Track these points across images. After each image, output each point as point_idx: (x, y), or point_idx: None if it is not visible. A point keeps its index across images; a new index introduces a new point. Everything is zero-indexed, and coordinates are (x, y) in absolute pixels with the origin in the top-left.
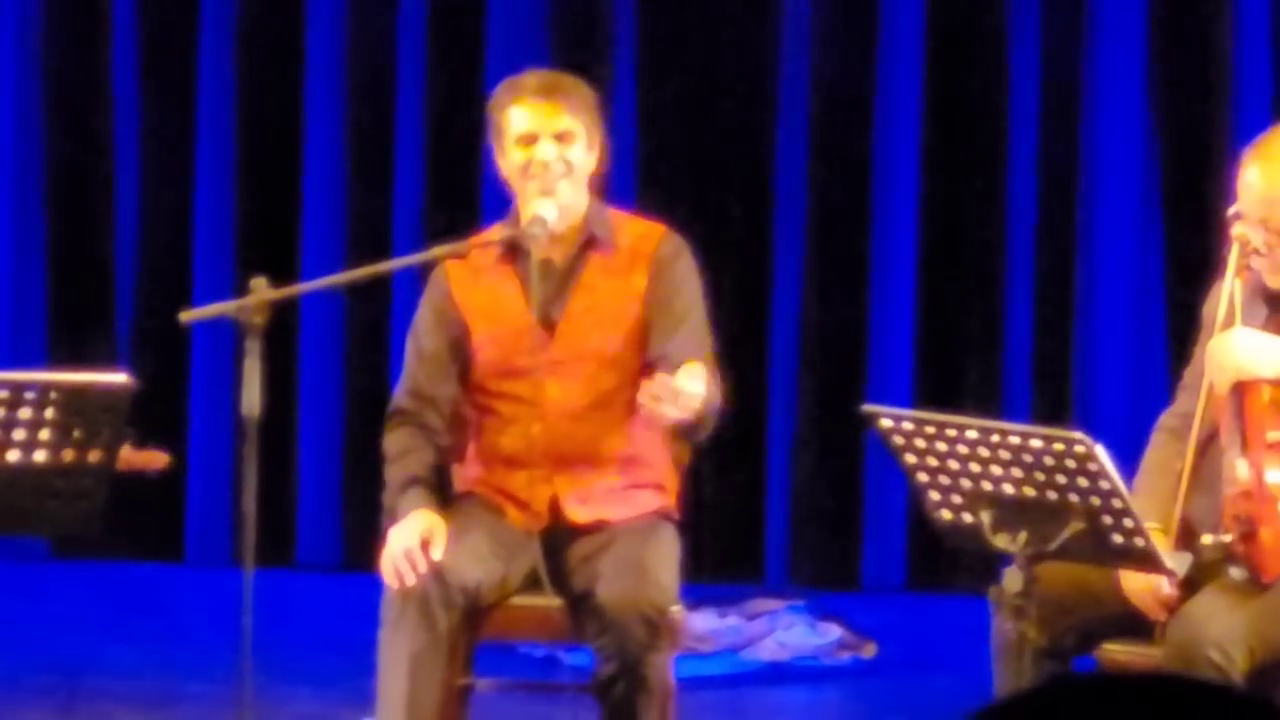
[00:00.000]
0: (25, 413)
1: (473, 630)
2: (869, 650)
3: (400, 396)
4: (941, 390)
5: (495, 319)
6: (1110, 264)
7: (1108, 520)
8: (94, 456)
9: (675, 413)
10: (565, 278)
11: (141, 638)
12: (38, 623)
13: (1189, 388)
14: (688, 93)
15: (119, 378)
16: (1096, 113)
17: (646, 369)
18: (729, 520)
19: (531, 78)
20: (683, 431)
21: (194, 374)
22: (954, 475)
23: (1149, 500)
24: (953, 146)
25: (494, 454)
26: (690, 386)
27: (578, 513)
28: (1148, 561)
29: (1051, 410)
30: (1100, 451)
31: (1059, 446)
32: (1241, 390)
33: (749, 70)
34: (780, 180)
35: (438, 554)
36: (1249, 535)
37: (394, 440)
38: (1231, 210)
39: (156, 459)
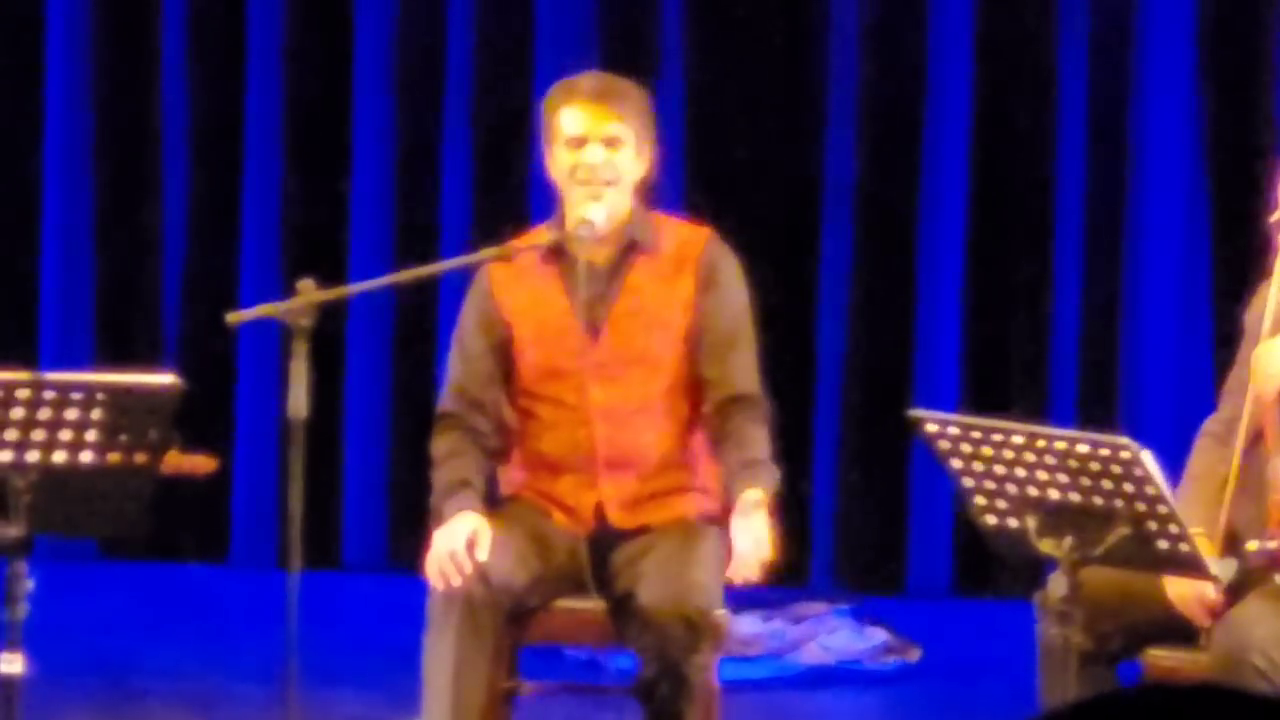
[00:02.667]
0: (72, 414)
1: (517, 633)
2: (914, 654)
3: (446, 400)
4: (987, 395)
5: (539, 321)
6: (1156, 270)
7: (1153, 525)
8: (141, 458)
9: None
10: (610, 280)
11: (187, 639)
12: (84, 623)
13: (1233, 393)
14: (735, 96)
15: (166, 379)
16: (1144, 122)
17: (697, 385)
18: (774, 523)
19: (586, 80)
20: None
21: (241, 375)
22: (999, 480)
23: (1194, 506)
24: (1001, 150)
25: (539, 458)
26: (761, 549)
27: (622, 517)
28: (1193, 567)
29: (1097, 416)
30: (1146, 457)
31: (1104, 451)
32: None
33: (797, 75)
34: (828, 185)
35: (483, 556)
36: None
37: (441, 444)
38: (1275, 216)
39: (203, 464)
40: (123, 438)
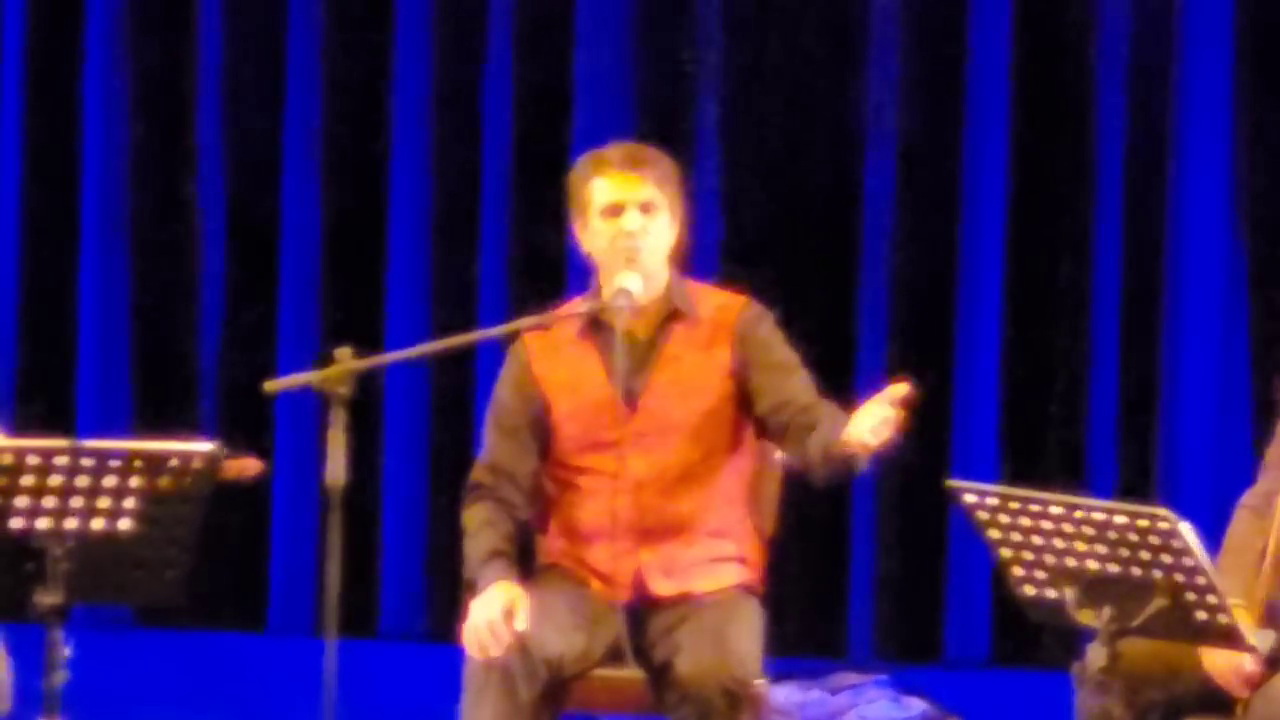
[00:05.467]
0: (110, 481)
1: (555, 702)
2: None
3: (479, 471)
4: (1026, 466)
5: (576, 393)
6: (1195, 342)
7: (1191, 597)
8: (179, 526)
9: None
10: (648, 350)
11: (224, 707)
12: (122, 691)
13: (1271, 466)
14: (771, 164)
15: (204, 446)
16: (1182, 189)
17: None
18: (813, 593)
19: (615, 150)
20: (845, 464)
21: (278, 443)
22: (1037, 551)
23: (1232, 577)
24: (1039, 217)
25: (576, 527)
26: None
27: (662, 586)
28: (1231, 638)
29: (1135, 487)
30: (1184, 528)
31: (1143, 523)
32: None
33: (834, 144)
34: (865, 253)
35: (521, 626)
36: None
37: (473, 514)
38: None
39: (251, 465)
40: (160, 505)
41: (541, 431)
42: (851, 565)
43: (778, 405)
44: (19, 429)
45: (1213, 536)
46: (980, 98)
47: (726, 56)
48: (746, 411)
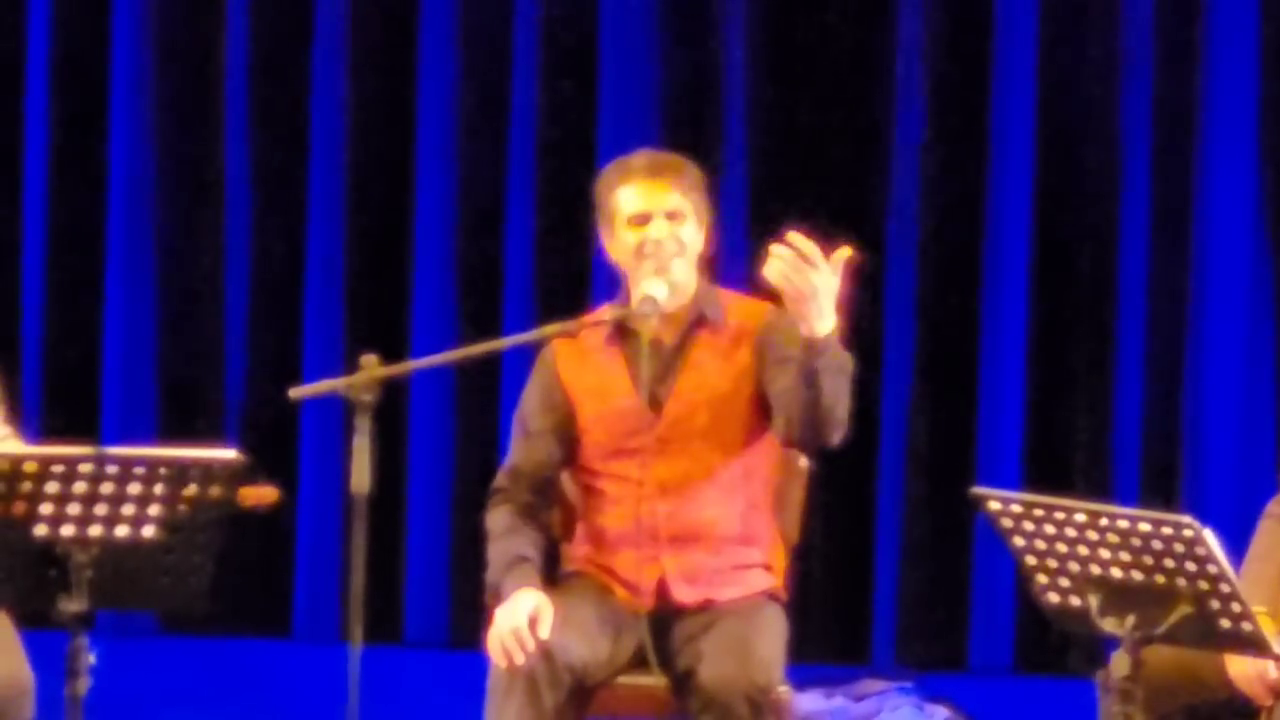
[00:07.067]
0: (134, 488)
1: (579, 709)
2: None
3: (503, 475)
4: (1050, 474)
5: (603, 400)
6: (1220, 350)
7: (1215, 604)
8: (203, 532)
9: (803, 285)
10: (674, 357)
11: (248, 714)
12: (146, 698)
13: None
14: (798, 175)
15: (228, 453)
16: (1208, 202)
17: (761, 459)
18: (836, 600)
19: (640, 158)
20: (808, 381)
21: (303, 450)
22: (1062, 558)
23: (1256, 585)
24: (1064, 240)
25: (601, 534)
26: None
27: (685, 593)
28: (1255, 646)
29: (1160, 495)
30: (1208, 535)
31: (1167, 530)
32: None
33: (858, 146)
34: (891, 265)
35: (545, 633)
36: None
37: (496, 518)
38: None
39: (268, 494)
40: (184, 513)
41: (567, 437)
42: (876, 572)
43: (780, 391)
44: (44, 437)
45: (1238, 544)
46: (1004, 99)
47: (750, 61)
48: (769, 416)
